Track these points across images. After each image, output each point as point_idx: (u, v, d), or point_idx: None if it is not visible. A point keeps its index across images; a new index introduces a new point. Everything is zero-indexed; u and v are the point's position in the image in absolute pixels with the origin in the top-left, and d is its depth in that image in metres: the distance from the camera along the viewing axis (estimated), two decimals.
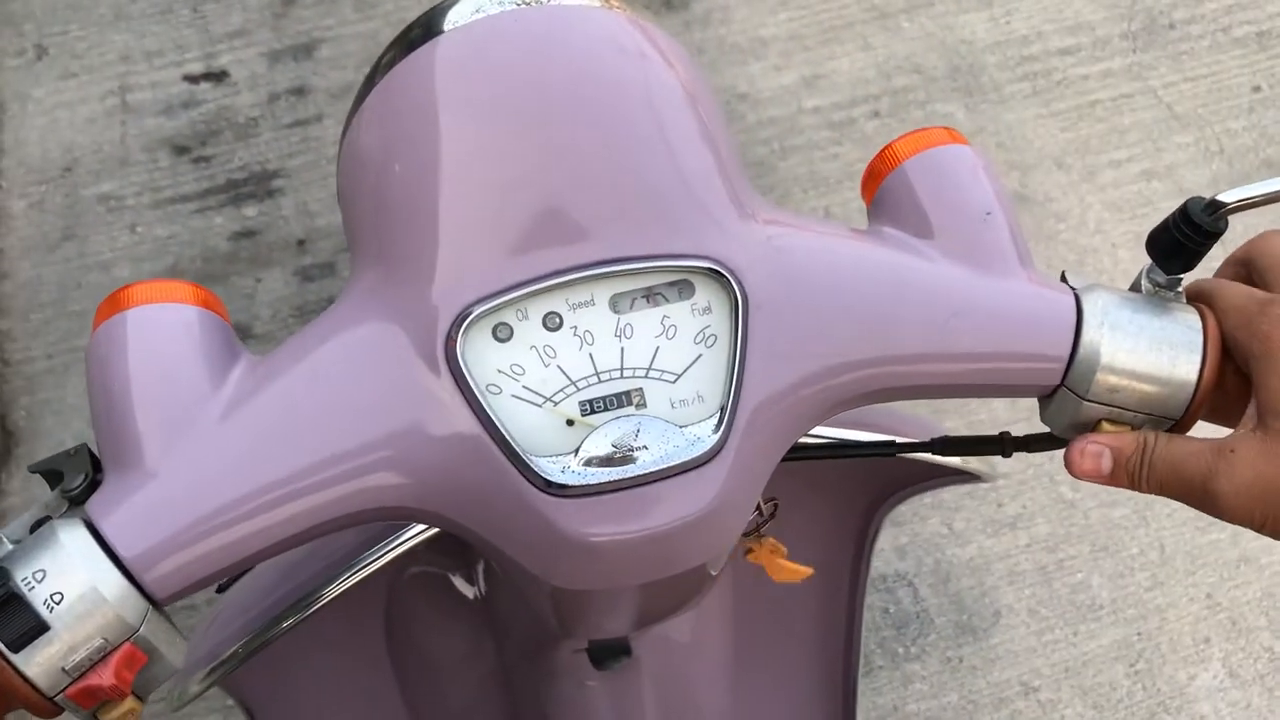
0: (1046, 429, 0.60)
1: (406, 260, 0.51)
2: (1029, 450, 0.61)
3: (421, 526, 0.71)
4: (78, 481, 0.49)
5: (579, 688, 0.87)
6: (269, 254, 1.77)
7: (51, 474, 0.51)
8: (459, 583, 0.96)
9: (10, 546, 0.47)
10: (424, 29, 0.58)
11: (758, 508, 0.69)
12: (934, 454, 0.63)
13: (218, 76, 1.93)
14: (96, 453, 0.50)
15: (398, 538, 0.71)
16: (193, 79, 1.92)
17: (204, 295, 0.53)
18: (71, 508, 0.49)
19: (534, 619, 0.77)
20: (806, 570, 0.76)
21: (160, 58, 1.94)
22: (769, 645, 1.08)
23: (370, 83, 0.59)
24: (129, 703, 0.46)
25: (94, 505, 0.48)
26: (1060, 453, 0.56)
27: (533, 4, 0.55)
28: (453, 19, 0.56)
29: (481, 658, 0.99)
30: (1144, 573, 1.53)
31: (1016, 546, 1.55)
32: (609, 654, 0.74)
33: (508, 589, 0.81)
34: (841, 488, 0.96)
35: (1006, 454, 0.61)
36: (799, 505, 0.79)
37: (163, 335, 0.51)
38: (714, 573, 0.56)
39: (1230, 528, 1.55)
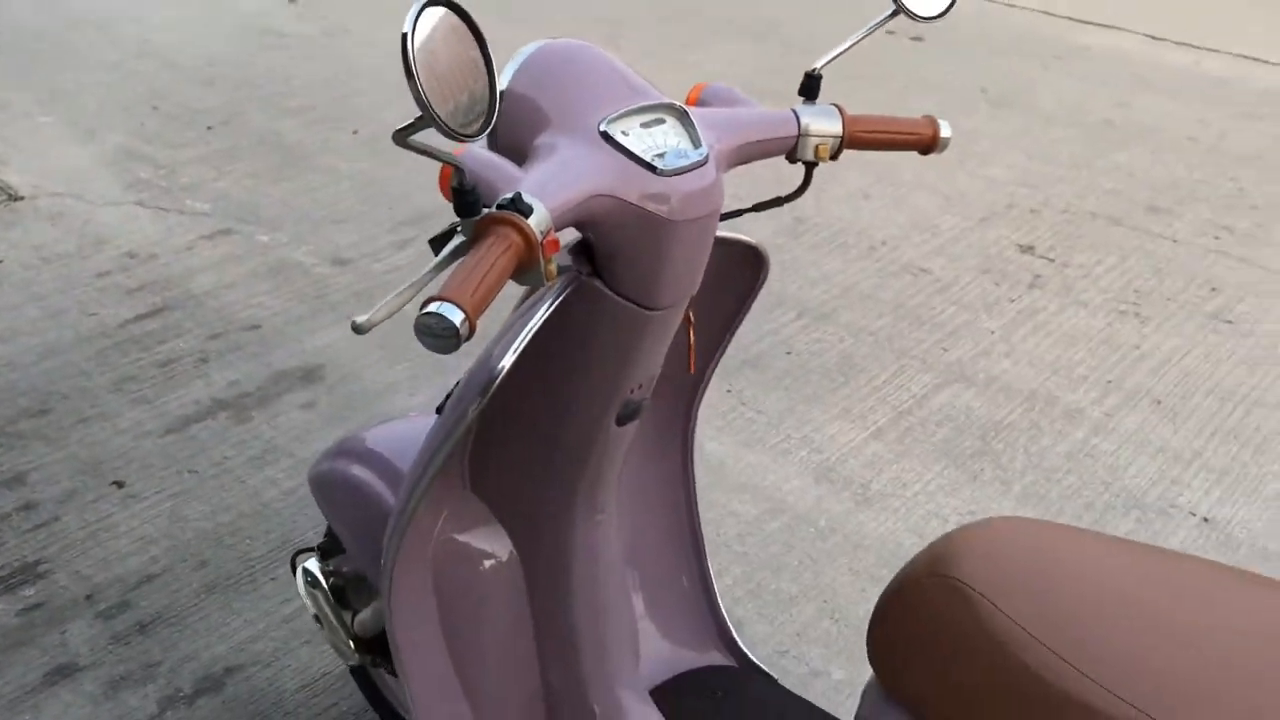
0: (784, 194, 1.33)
1: (571, 128, 1.11)
2: (786, 202, 1.33)
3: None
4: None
5: (592, 526, 1.36)
6: (63, 613, 1.98)
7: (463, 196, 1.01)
8: (488, 538, 1.40)
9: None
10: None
11: None
12: (755, 211, 1.33)
13: None
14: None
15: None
16: None
17: None
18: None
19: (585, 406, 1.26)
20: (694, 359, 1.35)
21: None
22: (641, 502, 1.58)
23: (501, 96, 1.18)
24: (555, 265, 0.98)
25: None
26: None
27: (558, 39, 1.21)
28: (519, 58, 1.19)
29: (507, 585, 1.41)
30: (840, 664, 2.21)
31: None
32: (631, 414, 1.27)
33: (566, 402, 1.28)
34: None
35: (782, 204, 1.33)
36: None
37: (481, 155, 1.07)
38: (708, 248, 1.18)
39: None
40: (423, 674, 1.39)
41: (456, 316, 0.88)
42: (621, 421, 1.29)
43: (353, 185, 3.56)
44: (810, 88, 1.29)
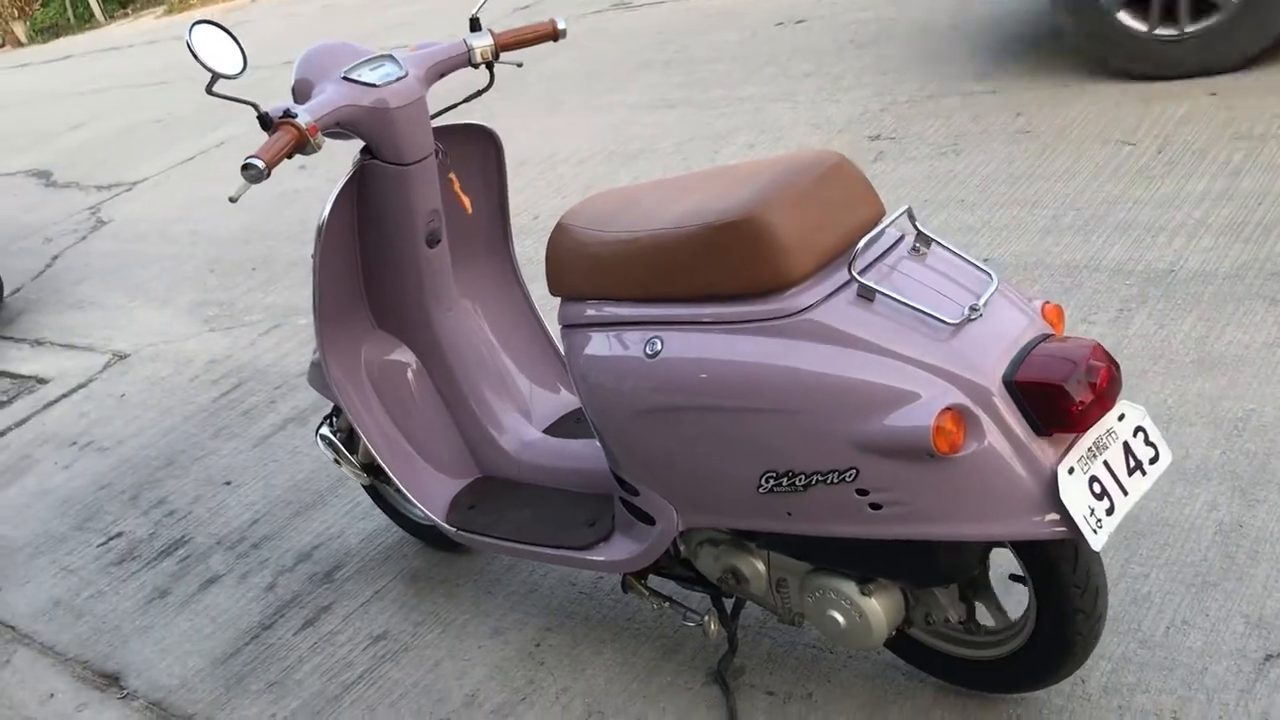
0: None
1: (327, 79, 2.02)
2: (483, 94, 2.20)
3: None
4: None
5: (447, 320, 2.21)
6: (204, 556, 2.88)
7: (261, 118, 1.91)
8: (398, 355, 2.27)
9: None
10: None
11: (437, 151, 2.15)
12: (465, 102, 2.19)
13: None
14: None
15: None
16: None
17: None
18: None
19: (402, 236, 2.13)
20: (467, 202, 2.21)
21: None
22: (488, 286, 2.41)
23: None
24: (321, 139, 1.86)
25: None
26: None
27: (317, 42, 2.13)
28: (298, 60, 2.11)
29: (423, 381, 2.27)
30: None
31: None
32: (434, 239, 2.13)
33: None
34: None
35: (480, 95, 2.19)
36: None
37: None
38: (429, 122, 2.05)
39: None
40: (384, 445, 2.24)
41: (260, 162, 1.77)
42: (430, 244, 2.15)
43: None
44: (474, 24, 2.17)
